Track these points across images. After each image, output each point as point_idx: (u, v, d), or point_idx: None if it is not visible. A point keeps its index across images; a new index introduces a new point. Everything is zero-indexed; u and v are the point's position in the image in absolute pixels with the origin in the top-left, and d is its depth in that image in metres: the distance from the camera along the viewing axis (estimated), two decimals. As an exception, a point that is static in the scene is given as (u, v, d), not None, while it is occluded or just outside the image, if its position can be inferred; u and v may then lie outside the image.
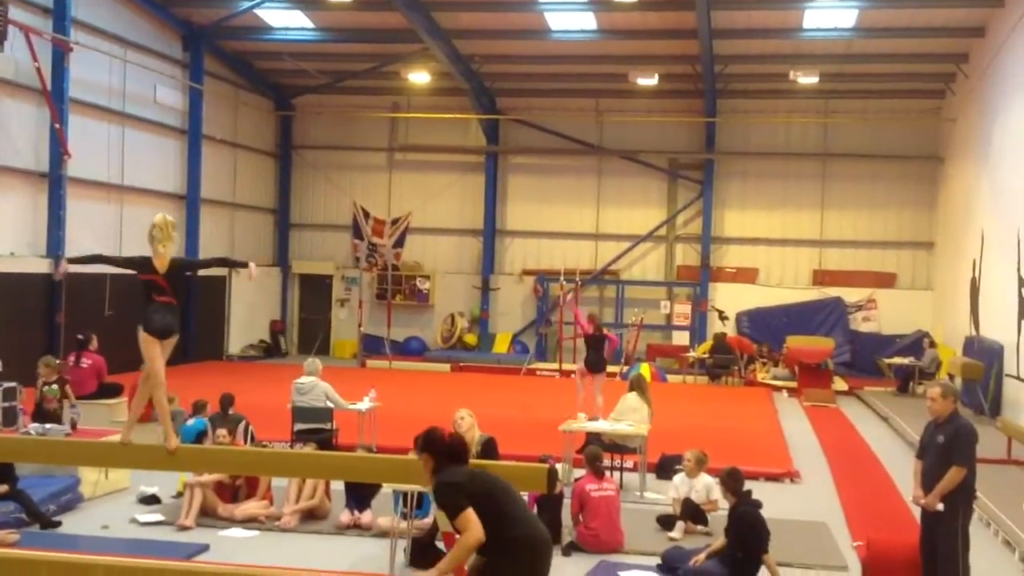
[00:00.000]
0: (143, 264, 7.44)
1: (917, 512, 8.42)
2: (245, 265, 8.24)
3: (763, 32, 22.98)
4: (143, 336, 7.33)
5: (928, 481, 7.91)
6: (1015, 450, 13.62)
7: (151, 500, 10.98)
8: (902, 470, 12.65)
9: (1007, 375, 17.56)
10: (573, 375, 16.77)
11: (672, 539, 10.03)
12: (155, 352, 7.32)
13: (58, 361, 14.09)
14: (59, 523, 10.15)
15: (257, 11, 23.43)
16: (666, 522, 10.44)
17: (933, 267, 26.40)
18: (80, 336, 15.21)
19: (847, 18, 21.86)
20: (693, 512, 10.42)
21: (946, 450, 7.81)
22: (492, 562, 5.99)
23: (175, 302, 7.41)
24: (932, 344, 22.77)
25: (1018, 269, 17.31)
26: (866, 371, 25.02)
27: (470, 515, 5.86)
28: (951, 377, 19.44)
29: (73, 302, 19.74)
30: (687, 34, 22.51)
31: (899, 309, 26.30)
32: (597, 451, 10.64)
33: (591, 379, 16.01)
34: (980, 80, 21.54)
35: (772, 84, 25.93)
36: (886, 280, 26.86)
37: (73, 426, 11.99)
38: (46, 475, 10.71)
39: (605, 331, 16.75)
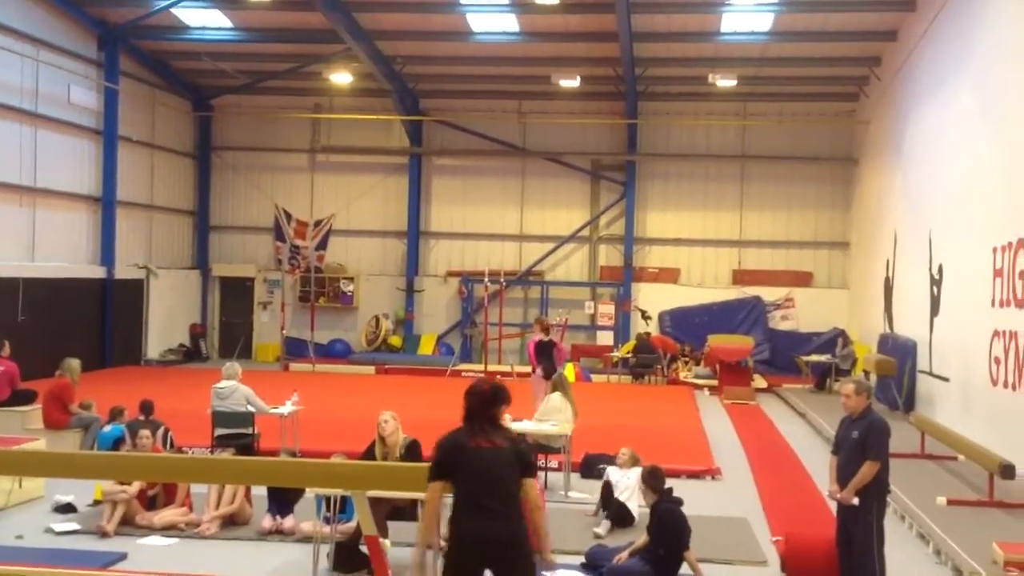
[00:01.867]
0: None
1: (834, 506, 8.59)
2: None
3: (682, 35, 23.28)
4: None
5: (843, 476, 8.08)
6: (928, 445, 13.96)
7: (67, 509, 10.74)
8: (819, 465, 12.91)
9: (920, 371, 18.01)
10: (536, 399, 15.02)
11: (597, 535, 10.11)
12: None
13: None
14: (-30, 534, 9.89)
15: (174, 10, 23.05)
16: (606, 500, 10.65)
17: (848, 266, 26.99)
18: (-8, 342, 14.80)
19: (763, 22, 22.24)
20: (619, 513, 10.50)
21: (860, 445, 7.98)
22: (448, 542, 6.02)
23: None
24: (848, 342, 23.25)
25: (930, 268, 17.77)
26: (784, 369, 25.46)
27: (431, 487, 5.97)
28: (866, 374, 19.86)
29: (-16, 307, 19.24)
30: (608, 37, 22.69)
31: (816, 308, 26.82)
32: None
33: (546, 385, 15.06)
34: (892, 83, 22.07)
35: (691, 87, 26.26)
36: (803, 279, 27.38)
37: (-15, 434, 11.67)
38: (-44, 485, 10.43)
39: (551, 337, 16.51)
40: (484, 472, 5.94)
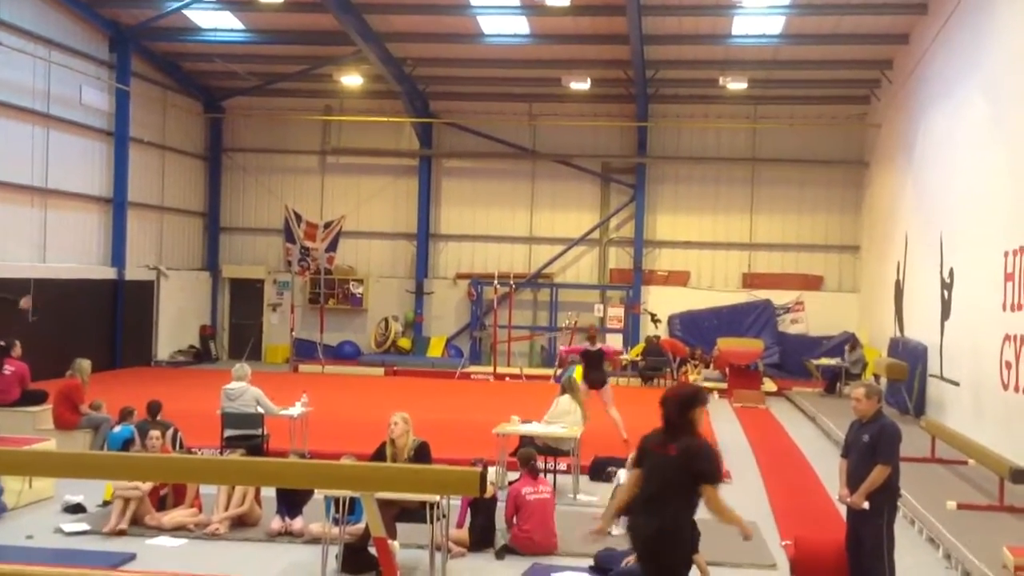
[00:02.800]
0: None
1: (844, 510, 8.57)
2: None
3: (693, 38, 23.25)
4: None
5: (853, 480, 8.06)
6: (939, 449, 13.91)
7: (76, 509, 10.78)
8: (829, 469, 12.84)
9: (931, 375, 17.95)
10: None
11: (612, 535, 10.13)
12: None
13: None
14: (-19, 534, 9.92)
15: (185, 12, 23.11)
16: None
17: (859, 270, 26.91)
18: (3, 342, 14.86)
19: (775, 25, 22.21)
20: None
21: (871, 449, 7.96)
22: None
23: None
24: (857, 345, 23.16)
25: (941, 271, 17.71)
26: (794, 372, 25.39)
27: (630, 473, 6.99)
28: (876, 378, 19.79)
29: (-5, 308, 19.31)
30: (619, 39, 22.68)
31: (826, 311, 26.76)
32: (531, 452, 10.65)
33: (596, 396, 15.17)
34: (904, 86, 22.01)
35: (702, 89, 26.24)
36: (813, 283, 27.32)
37: (-5, 434, 11.71)
38: (-33, 485, 10.46)
39: (601, 344, 15.98)
40: (652, 476, 6.61)
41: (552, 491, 10.27)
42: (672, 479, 6.47)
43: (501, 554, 9.67)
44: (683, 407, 6.59)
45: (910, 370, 18.30)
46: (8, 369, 14.35)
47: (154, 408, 12.36)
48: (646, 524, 6.55)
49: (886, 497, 7.98)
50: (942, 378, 17.29)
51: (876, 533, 7.95)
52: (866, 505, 7.92)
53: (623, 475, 11.08)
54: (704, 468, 6.51)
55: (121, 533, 9.94)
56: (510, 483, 11.96)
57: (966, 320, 16.21)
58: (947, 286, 17.35)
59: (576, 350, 16.43)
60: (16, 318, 19.58)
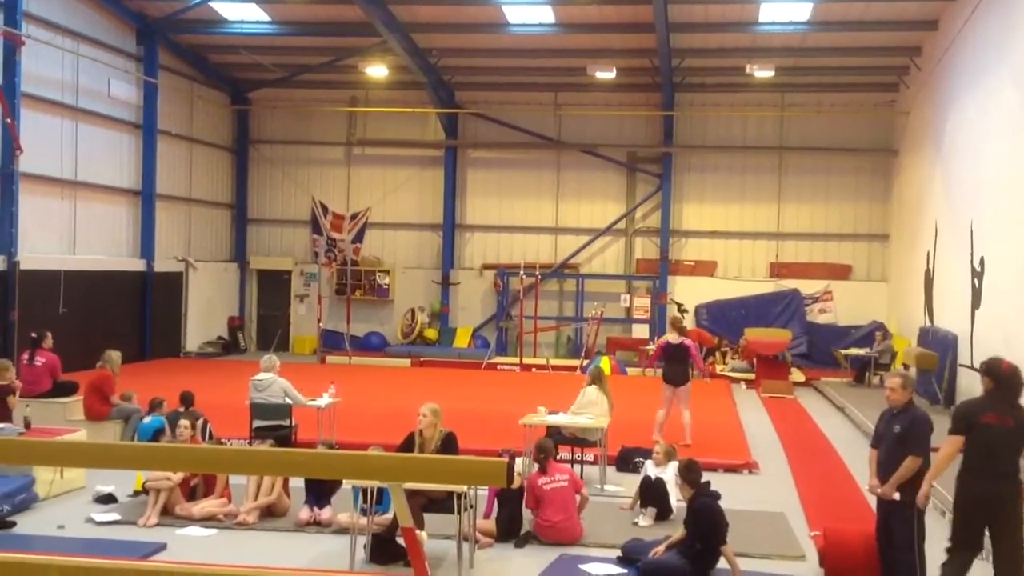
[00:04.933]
0: None
1: (874, 501, 8.51)
2: None
3: (720, 26, 23.10)
4: None
5: (884, 470, 8.00)
6: (969, 439, 13.76)
7: (107, 499, 10.85)
8: (858, 460, 12.79)
9: (961, 365, 17.79)
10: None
11: (640, 526, 10.12)
12: None
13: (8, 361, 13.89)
14: (13, 523, 10.01)
15: (212, 4, 23.20)
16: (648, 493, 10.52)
17: (888, 259, 26.70)
18: (34, 334, 15.00)
19: (802, 11, 22.03)
20: (658, 496, 10.45)
21: (902, 440, 7.90)
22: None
23: None
24: (886, 335, 23.01)
25: (971, 260, 17.55)
26: (823, 362, 25.25)
27: (948, 440, 7.59)
28: (906, 367, 19.65)
29: (27, 299, 19.49)
30: (644, 28, 22.56)
31: (855, 300, 26.57)
32: (544, 444, 10.49)
33: (671, 393, 14.69)
34: (933, 73, 21.79)
35: (729, 78, 26.07)
36: (842, 272, 27.14)
37: (27, 425, 11.83)
38: (-1, 475, 10.57)
39: (684, 339, 15.00)
40: (986, 444, 7.40)
41: (571, 479, 10.11)
42: (1018, 447, 7.46)
43: (521, 543, 9.66)
44: (1010, 384, 7.55)
45: (940, 360, 18.16)
46: (39, 360, 14.50)
47: (188, 398, 12.46)
48: (989, 489, 7.41)
49: (917, 488, 7.91)
50: (973, 368, 17.11)
51: (907, 524, 7.89)
52: (897, 496, 7.86)
53: (649, 466, 11.06)
54: None
55: (156, 524, 10.01)
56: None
57: (997, 309, 16.05)
58: (978, 275, 17.19)
59: (660, 345, 15.41)
60: (47, 310, 19.76)
